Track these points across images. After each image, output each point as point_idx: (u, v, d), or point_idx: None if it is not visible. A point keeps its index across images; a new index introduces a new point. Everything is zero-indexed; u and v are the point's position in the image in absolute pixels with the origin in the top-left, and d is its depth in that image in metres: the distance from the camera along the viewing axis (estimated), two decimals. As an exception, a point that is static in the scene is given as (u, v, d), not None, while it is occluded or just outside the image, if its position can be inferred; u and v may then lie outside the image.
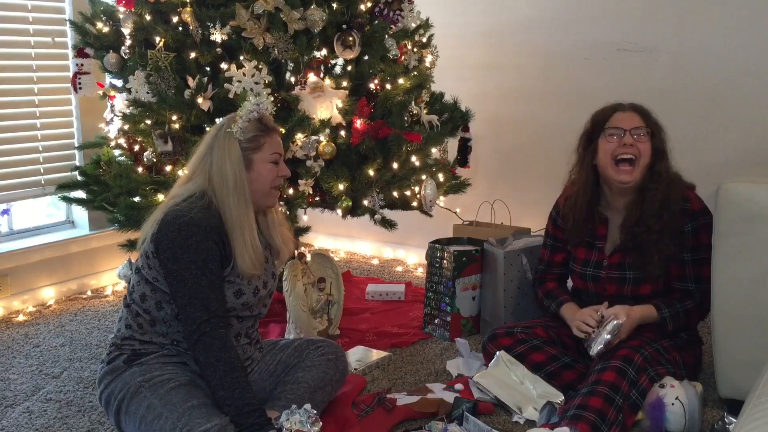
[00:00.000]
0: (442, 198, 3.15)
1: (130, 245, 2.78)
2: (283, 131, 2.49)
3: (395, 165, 2.81)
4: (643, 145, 2.27)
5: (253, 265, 1.95)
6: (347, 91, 2.75)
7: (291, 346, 2.19)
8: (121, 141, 2.88)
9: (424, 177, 2.93)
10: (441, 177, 3.05)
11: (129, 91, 2.70)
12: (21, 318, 3.16)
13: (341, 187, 2.69)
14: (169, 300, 1.92)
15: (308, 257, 2.89)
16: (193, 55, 2.68)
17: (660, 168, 2.28)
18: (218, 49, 2.68)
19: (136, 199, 2.72)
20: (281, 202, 2.59)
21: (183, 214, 1.88)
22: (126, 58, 2.79)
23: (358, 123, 2.72)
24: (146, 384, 1.88)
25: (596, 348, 2.19)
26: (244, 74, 2.58)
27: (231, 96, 2.56)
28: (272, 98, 2.23)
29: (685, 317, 2.28)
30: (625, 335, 2.22)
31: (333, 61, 2.94)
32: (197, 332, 1.83)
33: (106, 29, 2.88)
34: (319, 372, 2.11)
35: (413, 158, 2.87)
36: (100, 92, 2.99)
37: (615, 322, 2.19)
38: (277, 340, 2.28)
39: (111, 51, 2.84)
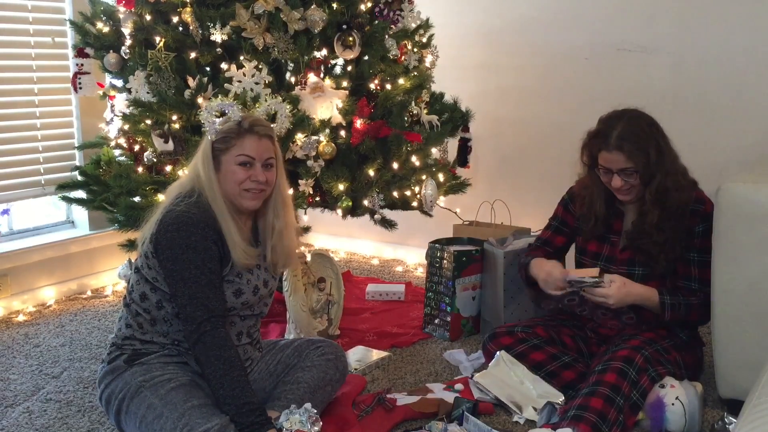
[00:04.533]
0: (442, 198, 3.15)
1: (130, 245, 2.78)
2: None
3: (395, 165, 2.81)
4: (633, 180, 2.25)
5: (246, 255, 1.95)
6: (347, 91, 2.75)
7: (291, 346, 2.19)
8: (121, 141, 2.88)
9: (424, 177, 2.93)
10: (441, 177, 3.05)
11: (129, 91, 2.71)
12: (21, 318, 3.16)
13: (341, 187, 2.69)
14: (169, 299, 1.93)
15: (308, 257, 2.89)
16: (193, 55, 2.68)
17: (653, 187, 2.24)
18: (218, 49, 2.68)
19: (136, 199, 2.72)
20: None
21: (181, 214, 1.89)
22: (126, 58, 2.79)
23: (358, 123, 2.72)
24: (147, 384, 1.88)
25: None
26: (244, 74, 2.58)
27: (231, 96, 2.56)
28: (242, 106, 2.21)
29: (685, 311, 2.24)
30: (616, 303, 2.21)
31: (333, 61, 2.94)
32: (197, 331, 1.84)
33: (106, 29, 2.88)
34: (319, 372, 2.11)
35: (413, 158, 2.87)
36: (100, 92, 2.99)
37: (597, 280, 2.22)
38: (277, 340, 2.28)
39: (111, 51, 2.84)
